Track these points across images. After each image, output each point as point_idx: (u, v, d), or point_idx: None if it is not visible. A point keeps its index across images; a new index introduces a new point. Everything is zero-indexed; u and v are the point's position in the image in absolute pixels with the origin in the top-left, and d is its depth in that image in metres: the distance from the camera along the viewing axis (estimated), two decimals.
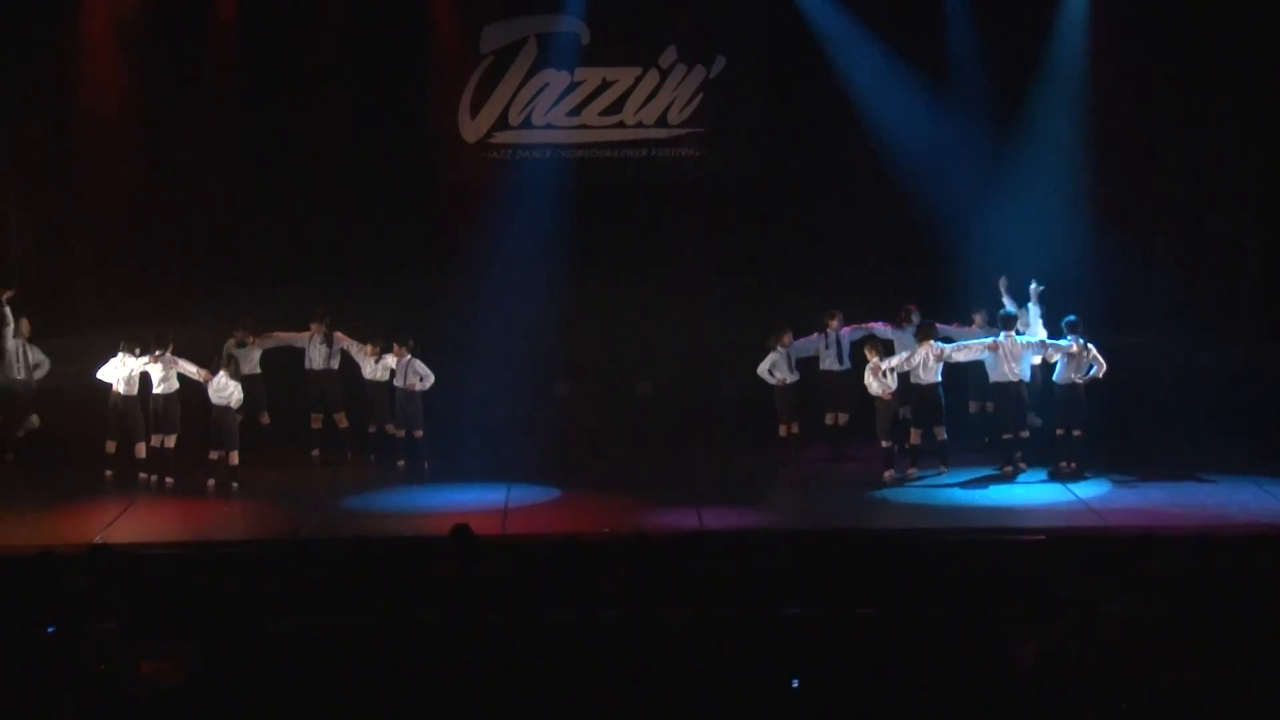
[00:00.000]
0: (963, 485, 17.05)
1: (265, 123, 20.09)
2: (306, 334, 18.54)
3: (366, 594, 12.20)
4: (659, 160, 20.66)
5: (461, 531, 12.75)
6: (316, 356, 18.48)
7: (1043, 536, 14.94)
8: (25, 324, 18.12)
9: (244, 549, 14.49)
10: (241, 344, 18.12)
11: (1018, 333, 17.44)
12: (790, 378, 18.00)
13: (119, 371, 17.26)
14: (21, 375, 18.01)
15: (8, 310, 17.98)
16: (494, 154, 20.66)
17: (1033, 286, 17.87)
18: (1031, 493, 16.78)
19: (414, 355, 17.88)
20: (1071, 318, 17.35)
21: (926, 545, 14.38)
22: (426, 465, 17.95)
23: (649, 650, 10.55)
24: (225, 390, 17.13)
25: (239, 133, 20.12)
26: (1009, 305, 17.88)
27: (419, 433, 17.97)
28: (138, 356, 17.26)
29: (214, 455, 17.30)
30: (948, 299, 19.21)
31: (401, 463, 18.06)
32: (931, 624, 11.46)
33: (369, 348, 18.04)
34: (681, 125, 20.66)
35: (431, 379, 17.80)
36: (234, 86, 20.07)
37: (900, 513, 16.17)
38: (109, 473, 17.47)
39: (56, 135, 19.87)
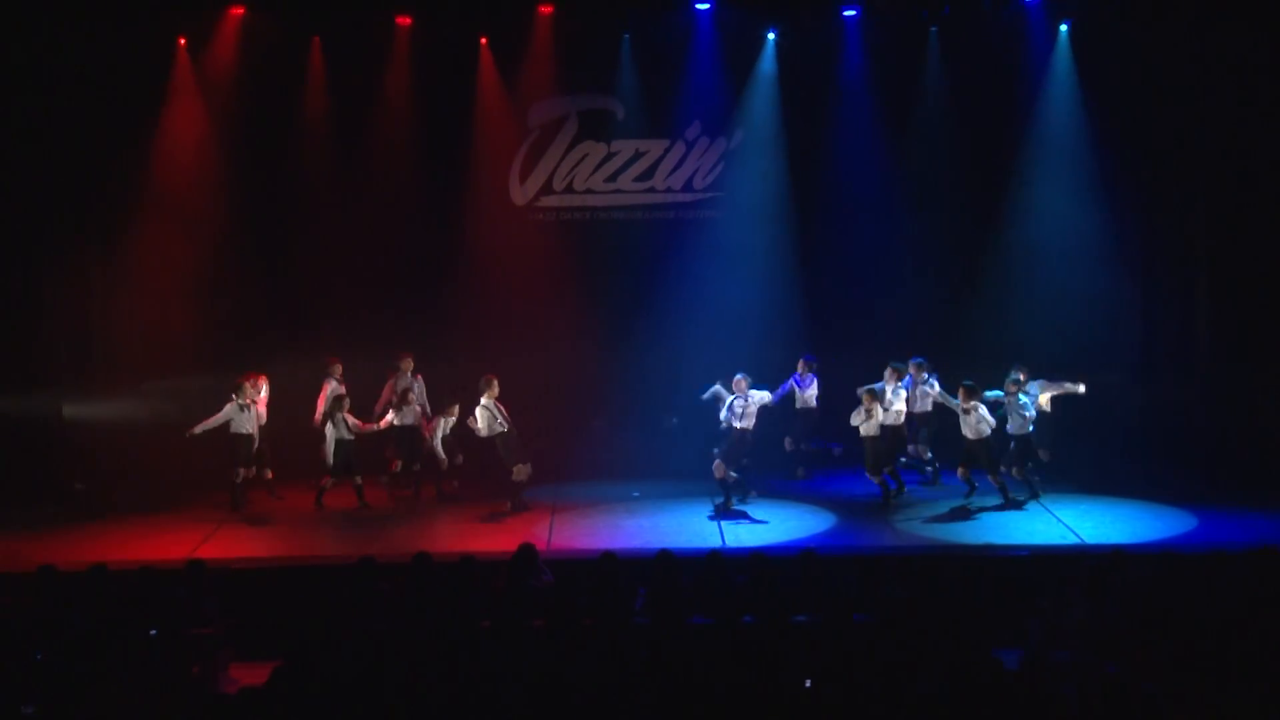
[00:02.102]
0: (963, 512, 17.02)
1: (335, 187, 20.23)
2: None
3: (429, 606, 12.27)
4: (685, 220, 20.78)
5: (527, 549, 12.81)
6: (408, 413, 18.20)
7: (1026, 553, 14.91)
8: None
9: (324, 565, 14.54)
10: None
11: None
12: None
13: (246, 419, 17.21)
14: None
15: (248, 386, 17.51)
16: (540, 216, 20.80)
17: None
18: (1016, 516, 16.71)
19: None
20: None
21: (923, 562, 14.41)
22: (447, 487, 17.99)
23: (676, 650, 10.60)
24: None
25: (311, 198, 20.26)
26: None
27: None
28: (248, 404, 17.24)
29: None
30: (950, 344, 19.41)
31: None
32: (927, 632, 11.47)
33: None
34: (705, 190, 20.77)
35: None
36: (308, 156, 20.22)
37: (903, 534, 16.14)
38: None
39: (137, 188, 19.74)
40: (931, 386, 17.73)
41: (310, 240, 20.25)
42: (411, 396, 17.91)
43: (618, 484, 18.54)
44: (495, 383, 17.21)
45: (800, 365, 18.60)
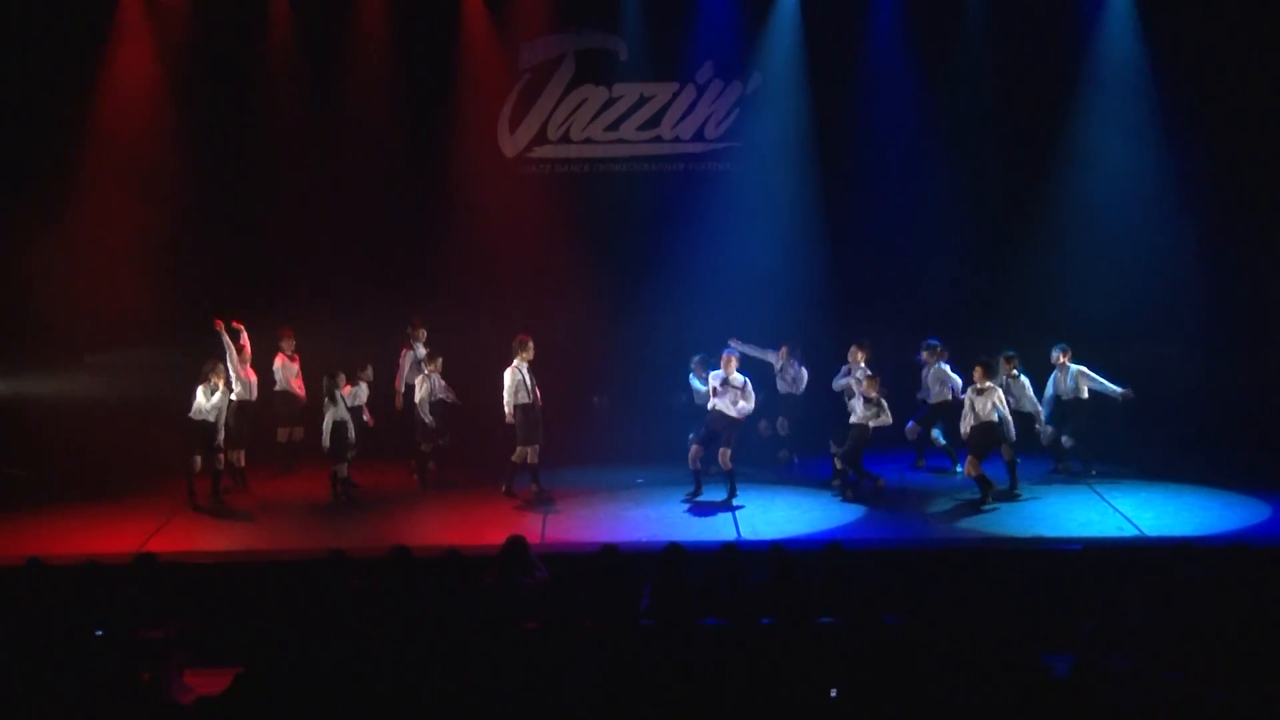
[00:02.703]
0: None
1: (305, 138, 20.18)
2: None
3: (407, 606, 12.23)
4: (695, 174, 20.70)
5: (518, 542, 12.76)
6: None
7: (1079, 547, 14.88)
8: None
9: (288, 561, 14.51)
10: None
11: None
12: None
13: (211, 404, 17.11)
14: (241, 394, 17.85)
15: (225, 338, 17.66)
16: (532, 168, 20.72)
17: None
18: (1068, 505, 16.66)
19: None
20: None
21: (962, 556, 14.38)
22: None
23: (685, 656, 10.56)
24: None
25: (280, 150, 20.20)
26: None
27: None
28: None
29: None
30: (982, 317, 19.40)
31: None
32: (967, 635, 11.42)
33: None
34: (718, 140, 20.67)
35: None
36: (274, 104, 20.16)
37: (940, 525, 16.10)
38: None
39: (79, 140, 19.70)
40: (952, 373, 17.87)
41: (276, 198, 20.20)
42: (431, 372, 17.89)
43: (620, 469, 18.57)
44: (530, 345, 17.24)
45: (783, 351, 18.50)
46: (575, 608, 12.11)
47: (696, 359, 18.25)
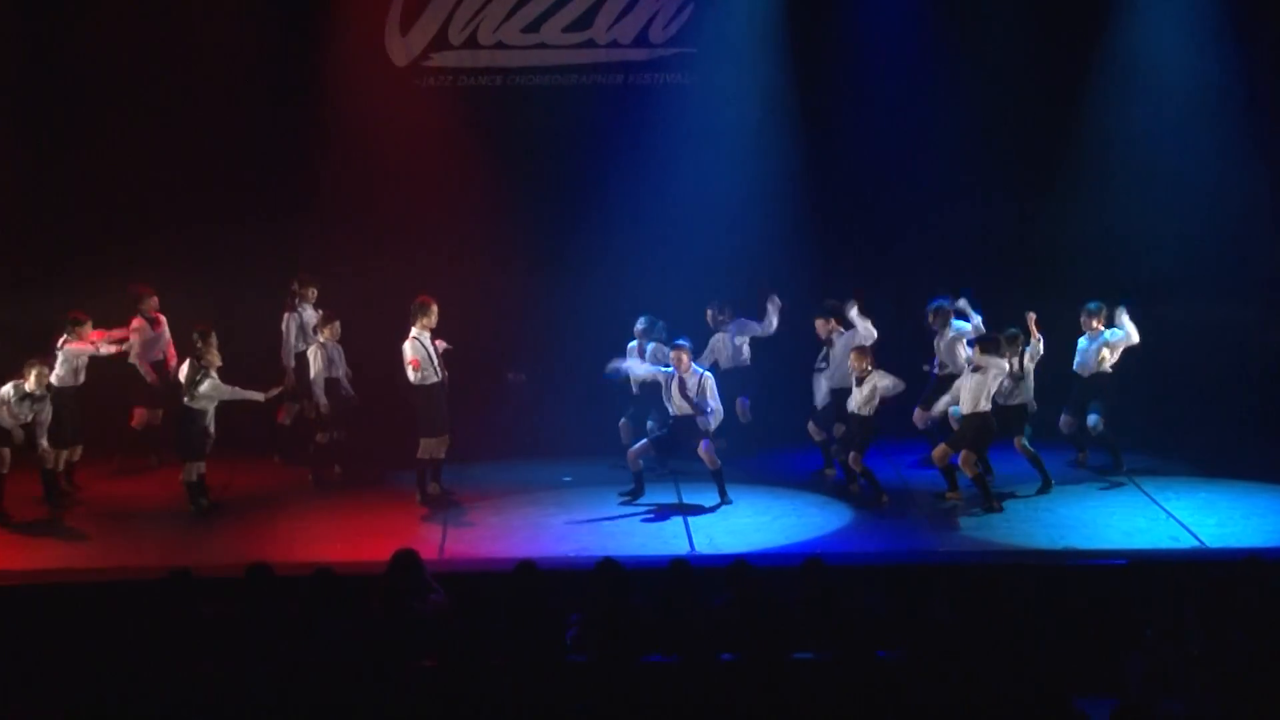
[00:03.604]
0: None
1: (142, 46, 19.99)
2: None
3: (269, 638, 12.18)
4: (638, 88, 20.66)
5: (407, 559, 12.72)
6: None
7: (1123, 561, 14.95)
8: None
9: (118, 582, 14.41)
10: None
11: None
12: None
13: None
14: None
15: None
16: (430, 80, 20.64)
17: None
18: (1109, 510, 16.75)
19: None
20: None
21: (975, 574, 14.42)
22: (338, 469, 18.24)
23: (625, 701, 10.53)
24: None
25: (109, 62, 20.00)
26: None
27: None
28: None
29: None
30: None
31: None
32: (981, 673, 11.47)
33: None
34: (667, 45, 20.65)
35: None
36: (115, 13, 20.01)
37: (948, 534, 16.16)
38: None
39: None
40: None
41: (112, 123, 20.06)
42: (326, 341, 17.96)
43: (542, 464, 18.63)
44: (433, 309, 17.27)
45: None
46: (483, 640, 12.08)
47: (641, 325, 18.20)
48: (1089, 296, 17.96)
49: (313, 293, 18.59)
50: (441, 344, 17.45)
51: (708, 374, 17.22)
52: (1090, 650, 12.85)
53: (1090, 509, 16.66)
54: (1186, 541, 15.59)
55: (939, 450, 16.97)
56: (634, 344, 18.37)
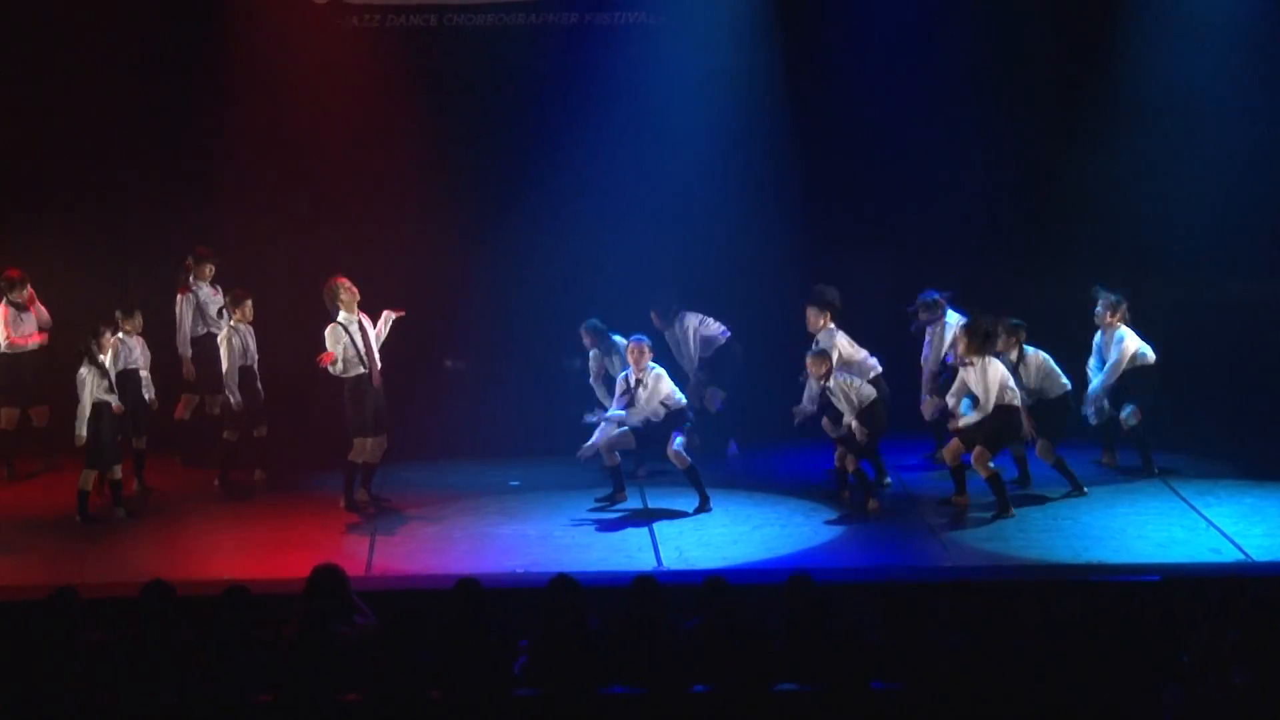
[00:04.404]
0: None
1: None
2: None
3: (170, 666, 12.19)
4: (595, 28, 20.70)
5: (330, 576, 12.73)
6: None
7: (1156, 578, 15.01)
8: None
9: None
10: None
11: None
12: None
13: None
14: None
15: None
16: (354, 20, 20.66)
17: None
18: (1139, 520, 16.82)
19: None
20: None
21: (984, 593, 14.47)
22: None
23: None
24: None
25: None
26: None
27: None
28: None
29: None
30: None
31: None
32: (990, 707, 11.52)
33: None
34: None
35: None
36: None
37: (955, 547, 16.22)
38: None
39: None
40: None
41: None
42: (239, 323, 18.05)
43: (485, 467, 18.75)
44: (345, 285, 17.30)
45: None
46: (417, 670, 12.09)
47: (586, 327, 18.21)
48: (1111, 272, 18.04)
49: (209, 270, 18.67)
50: (391, 314, 17.48)
51: (659, 371, 17.29)
52: (1119, 681, 12.89)
53: (1119, 517, 16.76)
54: (1230, 554, 15.66)
55: (950, 447, 17.04)
56: (593, 353, 18.36)
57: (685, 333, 18.89)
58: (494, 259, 20.28)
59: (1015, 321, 17.37)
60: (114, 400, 17.16)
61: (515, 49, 20.68)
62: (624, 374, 17.37)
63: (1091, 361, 18.00)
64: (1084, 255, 19.47)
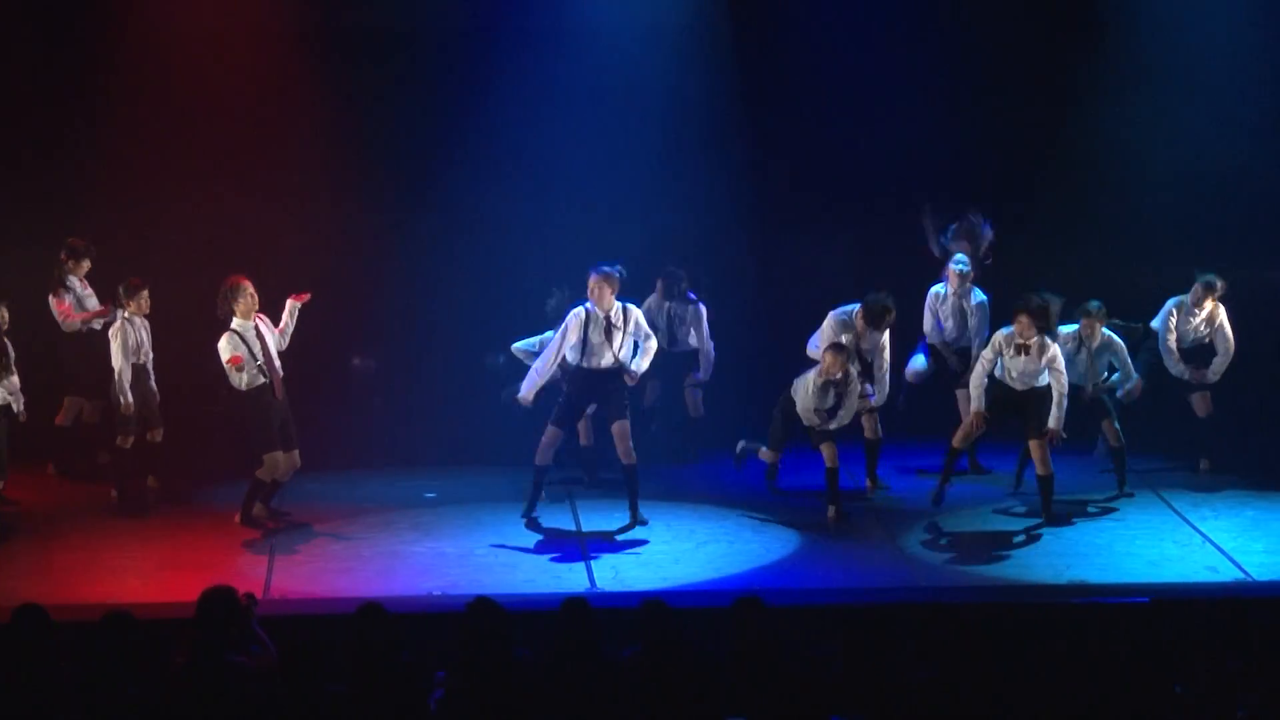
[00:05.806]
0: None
1: None
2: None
3: (44, 704, 12.19)
4: None
5: (222, 599, 12.72)
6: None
7: (1146, 599, 15.08)
8: None
9: None
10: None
11: None
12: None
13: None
14: None
15: None
16: None
17: None
18: (1128, 533, 16.92)
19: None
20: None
21: (959, 616, 14.54)
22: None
23: None
24: None
25: None
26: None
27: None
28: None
29: None
30: None
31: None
32: None
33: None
34: None
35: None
36: None
37: (926, 566, 16.30)
38: None
39: None
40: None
41: None
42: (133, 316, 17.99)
43: (397, 477, 18.78)
44: (252, 292, 17.16)
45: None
46: (320, 705, 12.10)
47: (552, 303, 18.15)
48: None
49: (86, 265, 18.65)
50: (295, 301, 17.45)
51: (634, 307, 17.26)
52: (1106, 716, 12.97)
53: (1105, 532, 16.92)
54: (1228, 573, 15.78)
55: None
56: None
57: (699, 318, 18.96)
58: (409, 239, 20.35)
59: (1095, 305, 17.47)
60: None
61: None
62: (580, 307, 17.03)
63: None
64: (1059, 229, 19.58)
